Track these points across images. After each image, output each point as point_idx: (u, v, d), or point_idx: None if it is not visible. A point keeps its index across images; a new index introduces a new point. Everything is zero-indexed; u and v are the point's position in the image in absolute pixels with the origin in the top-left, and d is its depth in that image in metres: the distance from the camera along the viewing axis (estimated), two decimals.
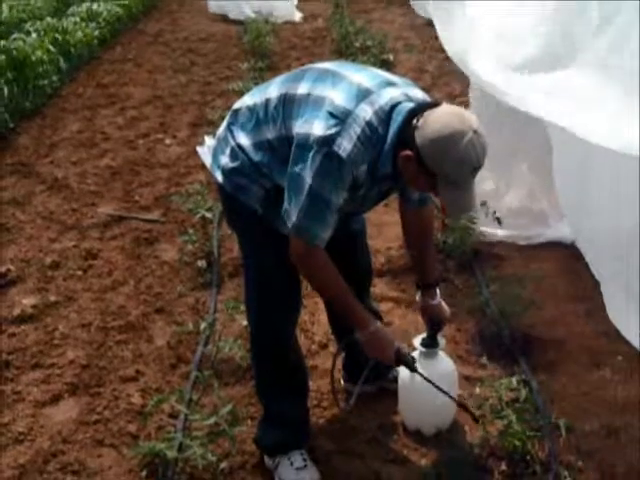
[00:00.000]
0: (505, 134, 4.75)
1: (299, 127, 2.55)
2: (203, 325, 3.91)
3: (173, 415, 3.32)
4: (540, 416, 3.12)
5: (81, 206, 5.54)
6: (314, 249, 2.59)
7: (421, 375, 2.90)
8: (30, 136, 6.99)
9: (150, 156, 6.49)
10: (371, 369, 2.99)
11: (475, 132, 2.40)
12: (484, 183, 4.71)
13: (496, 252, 4.60)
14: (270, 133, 2.66)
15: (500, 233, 4.67)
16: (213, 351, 3.68)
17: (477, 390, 3.23)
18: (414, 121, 2.46)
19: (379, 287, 4.22)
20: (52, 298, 4.34)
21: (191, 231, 4.79)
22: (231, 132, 2.77)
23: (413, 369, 2.87)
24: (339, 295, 2.70)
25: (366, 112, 2.49)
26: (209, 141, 3.06)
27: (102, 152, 6.60)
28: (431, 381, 2.91)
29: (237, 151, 2.73)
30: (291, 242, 2.62)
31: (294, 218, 2.55)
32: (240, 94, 2.95)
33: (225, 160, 2.77)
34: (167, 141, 6.85)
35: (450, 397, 2.97)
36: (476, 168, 2.45)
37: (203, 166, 5.84)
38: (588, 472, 2.94)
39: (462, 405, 3.00)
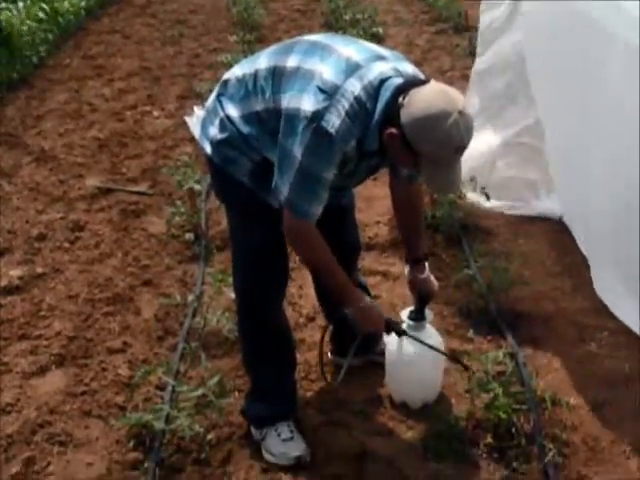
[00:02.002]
0: (499, 103, 4.76)
1: (288, 101, 2.53)
2: (190, 297, 3.91)
3: (160, 387, 3.33)
4: (526, 389, 3.14)
5: (68, 178, 5.50)
6: (305, 224, 2.59)
7: (413, 337, 2.97)
8: (16, 107, 6.93)
9: (138, 128, 6.44)
10: (359, 343, 3.01)
11: (460, 112, 2.39)
12: (477, 152, 4.73)
13: (484, 226, 4.60)
14: (259, 105, 2.64)
15: (488, 203, 4.67)
16: (200, 323, 3.68)
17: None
18: (400, 98, 2.45)
19: (367, 261, 4.22)
20: (39, 270, 4.32)
21: (179, 203, 4.77)
22: (220, 103, 2.75)
23: (404, 334, 2.93)
24: (328, 271, 2.70)
25: (355, 87, 2.47)
26: (198, 112, 3.05)
27: (89, 124, 6.55)
28: (422, 341, 2.98)
29: (226, 122, 2.71)
30: (284, 216, 2.61)
31: (285, 193, 2.54)
32: (229, 67, 2.93)
33: (214, 131, 2.75)
34: (155, 113, 6.80)
35: (442, 353, 3.05)
36: (460, 148, 2.44)
37: (191, 139, 5.87)
38: (573, 445, 2.96)
39: (454, 358, 3.07)
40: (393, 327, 2.89)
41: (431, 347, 3.00)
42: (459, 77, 6.63)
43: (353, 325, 2.77)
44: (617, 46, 3.33)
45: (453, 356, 3.11)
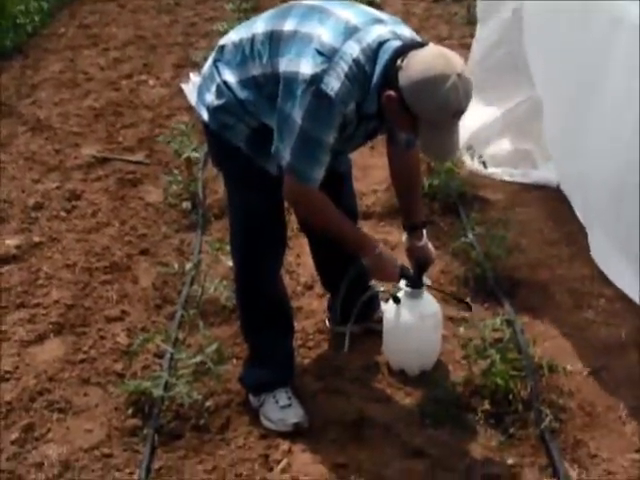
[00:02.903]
0: (499, 72, 4.73)
1: (286, 65, 2.52)
2: (188, 266, 3.91)
3: (159, 355, 3.34)
4: (523, 356, 3.15)
5: (64, 147, 5.47)
6: (309, 188, 2.58)
7: (424, 285, 3.04)
8: (11, 76, 6.87)
9: (133, 97, 6.40)
10: (357, 310, 3.02)
11: (459, 76, 2.37)
12: (474, 123, 4.73)
13: (481, 195, 4.60)
14: (256, 70, 2.62)
15: (486, 170, 4.66)
16: (198, 292, 3.68)
17: (461, 330, 3.25)
18: (399, 61, 2.43)
19: (364, 229, 4.17)
20: (36, 239, 4.31)
21: (176, 172, 4.75)
22: (217, 69, 2.73)
23: (417, 284, 3.00)
24: (339, 227, 2.71)
25: (353, 49, 2.46)
26: (194, 78, 3.03)
27: (85, 93, 6.50)
28: (435, 287, 3.08)
29: (223, 88, 2.69)
30: (285, 182, 2.60)
31: (287, 158, 2.53)
32: (225, 35, 2.91)
33: (210, 98, 2.73)
34: (151, 82, 6.75)
35: (446, 293, 3.19)
36: (458, 112, 2.43)
37: (188, 108, 5.83)
38: (569, 411, 2.98)
39: (457, 298, 3.16)
40: (406, 275, 2.93)
41: (438, 290, 3.04)
42: (457, 46, 6.57)
43: (370, 274, 2.83)
44: (621, 23, 3.33)
45: (456, 296, 3.16)
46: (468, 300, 3.09)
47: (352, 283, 2.95)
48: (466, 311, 3.13)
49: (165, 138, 5.11)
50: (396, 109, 2.45)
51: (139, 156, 5.33)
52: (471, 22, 5.99)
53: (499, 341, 3.15)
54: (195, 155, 4.79)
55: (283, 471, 2.77)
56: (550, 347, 3.32)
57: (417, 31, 2.72)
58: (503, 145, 4.87)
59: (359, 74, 2.46)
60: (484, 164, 4.61)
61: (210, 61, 2.81)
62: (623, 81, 3.37)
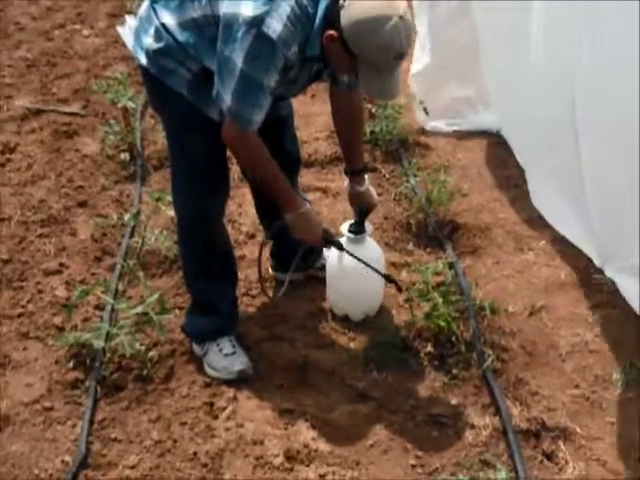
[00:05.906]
0: (438, 19, 4.68)
1: (227, 7, 2.45)
2: (127, 217, 3.83)
3: (99, 307, 3.29)
4: (465, 298, 3.18)
5: None
6: (247, 132, 2.54)
7: (349, 253, 2.97)
8: None
9: (67, 47, 6.23)
10: (300, 258, 3.00)
11: (401, 18, 2.34)
12: (414, 70, 4.70)
13: (423, 141, 4.61)
14: (195, 12, 2.55)
15: (427, 120, 4.66)
16: (139, 243, 3.62)
17: (404, 274, 3.26)
18: (341, 0, 2.38)
19: (307, 177, 4.18)
20: None
21: (113, 123, 4.63)
22: (154, 11, 2.64)
23: (341, 248, 2.94)
24: (270, 177, 2.67)
25: None
26: (130, 21, 2.92)
27: (16, 43, 6.30)
28: (359, 259, 2.97)
29: (162, 31, 2.61)
30: (224, 125, 2.55)
31: (228, 102, 2.48)
32: None
33: (149, 41, 2.64)
34: (85, 32, 6.57)
35: (377, 272, 3.02)
36: (399, 55, 2.41)
37: (123, 57, 5.71)
38: (511, 350, 3.02)
39: (388, 278, 3.05)
40: (329, 239, 2.89)
41: (366, 264, 2.98)
42: None
43: (291, 232, 2.76)
44: None
45: (388, 276, 3.09)
46: (404, 276, 3.08)
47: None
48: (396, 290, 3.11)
49: (101, 87, 4.97)
50: (337, 49, 2.41)
51: (74, 107, 5.20)
52: None
53: (441, 284, 3.18)
54: (132, 105, 4.67)
55: (228, 418, 2.76)
56: (492, 289, 3.35)
57: None
58: (443, 94, 4.83)
59: (301, 16, 2.41)
60: (425, 110, 4.60)
61: (147, 2, 2.71)
62: (562, 17, 3.36)
